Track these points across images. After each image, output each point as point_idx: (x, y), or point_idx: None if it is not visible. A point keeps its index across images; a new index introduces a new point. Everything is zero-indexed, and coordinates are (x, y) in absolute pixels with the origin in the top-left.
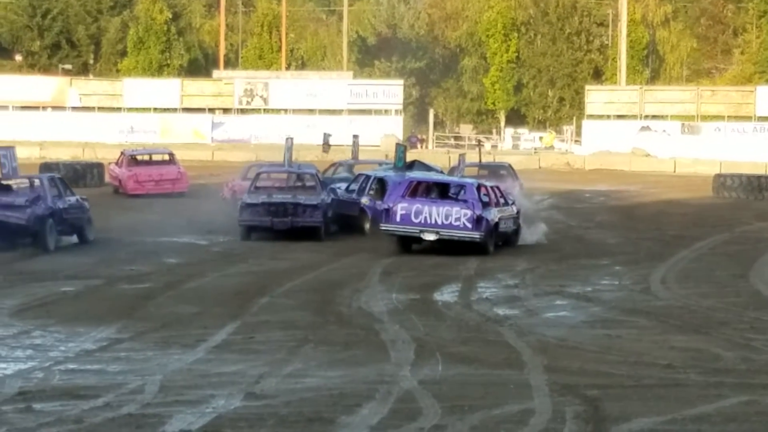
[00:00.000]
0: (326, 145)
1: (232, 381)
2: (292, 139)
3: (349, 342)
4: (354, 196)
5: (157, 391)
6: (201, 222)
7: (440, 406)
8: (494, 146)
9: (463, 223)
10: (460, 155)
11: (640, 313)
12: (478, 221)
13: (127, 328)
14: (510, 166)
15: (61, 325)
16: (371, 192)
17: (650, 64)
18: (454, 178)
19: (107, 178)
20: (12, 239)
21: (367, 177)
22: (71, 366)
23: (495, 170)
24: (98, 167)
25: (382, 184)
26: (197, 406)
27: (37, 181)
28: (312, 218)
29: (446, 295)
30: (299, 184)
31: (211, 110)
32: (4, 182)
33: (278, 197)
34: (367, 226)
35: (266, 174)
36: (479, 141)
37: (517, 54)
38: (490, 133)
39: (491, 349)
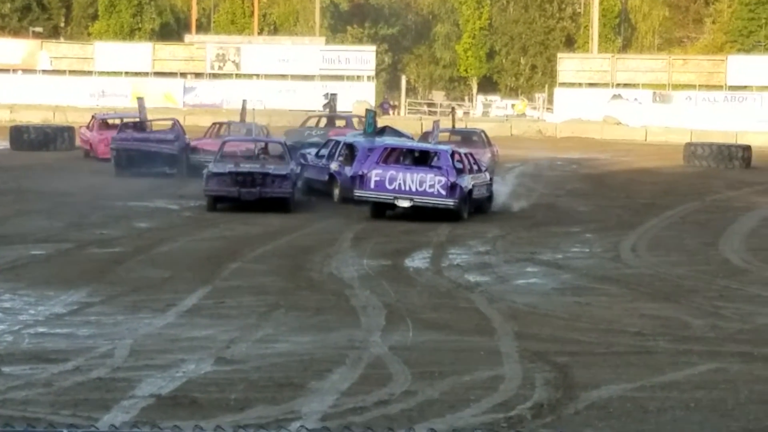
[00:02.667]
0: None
1: (202, 346)
2: (246, 100)
3: (320, 307)
4: (324, 161)
5: (127, 355)
6: (172, 186)
7: (410, 372)
8: (466, 113)
9: (438, 190)
10: (434, 121)
11: (610, 281)
12: (452, 188)
13: (98, 292)
14: (483, 132)
15: (31, 288)
16: (341, 158)
17: (622, 33)
18: (429, 145)
19: (78, 142)
20: (161, 166)
21: (337, 143)
22: (41, 330)
23: (468, 136)
24: (69, 131)
25: (351, 149)
26: (167, 371)
27: (171, 123)
28: (281, 189)
29: (417, 261)
30: (267, 153)
31: (183, 75)
32: (148, 125)
33: (246, 166)
34: (337, 192)
35: (233, 142)
36: (452, 107)
37: (489, 21)
38: (463, 100)
39: (462, 316)
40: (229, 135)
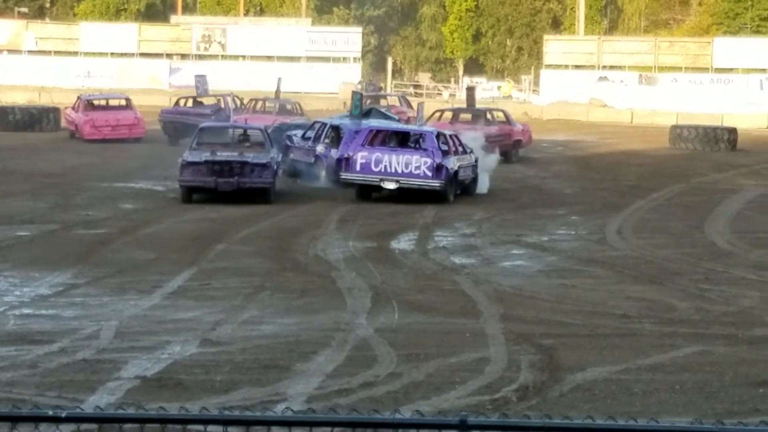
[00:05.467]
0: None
1: (187, 327)
2: (280, 78)
3: (306, 289)
4: (309, 144)
5: (113, 336)
6: (157, 168)
7: (396, 354)
8: (452, 95)
9: (423, 172)
10: (419, 103)
11: (595, 263)
12: (438, 170)
13: (83, 274)
14: (497, 111)
15: (16, 269)
16: (327, 140)
17: (608, 15)
18: (414, 127)
19: (63, 123)
20: None
21: (323, 125)
22: (26, 311)
23: (478, 115)
24: (54, 112)
25: (337, 132)
26: (153, 352)
27: (221, 99)
28: (261, 178)
29: (403, 243)
30: (246, 140)
31: (169, 56)
32: (198, 100)
33: (223, 155)
34: (323, 174)
35: (210, 129)
36: (472, 87)
37: (475, 2)
38: (448, 82)
39: (447, 298)
40: (264, 111)
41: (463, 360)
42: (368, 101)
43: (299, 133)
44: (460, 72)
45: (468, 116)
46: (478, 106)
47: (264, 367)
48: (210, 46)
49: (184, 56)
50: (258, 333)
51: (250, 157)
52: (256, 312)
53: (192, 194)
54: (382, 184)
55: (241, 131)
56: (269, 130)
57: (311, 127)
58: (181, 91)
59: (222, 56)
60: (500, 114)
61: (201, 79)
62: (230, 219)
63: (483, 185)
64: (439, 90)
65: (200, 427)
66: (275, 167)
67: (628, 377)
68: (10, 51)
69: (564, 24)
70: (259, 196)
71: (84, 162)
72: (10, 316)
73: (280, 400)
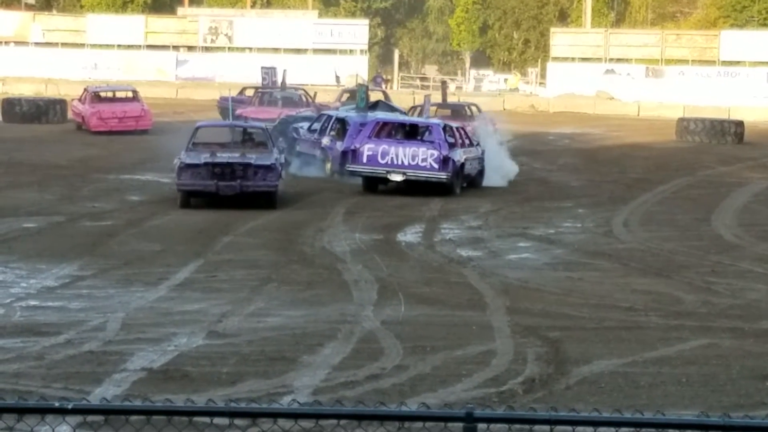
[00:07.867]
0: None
1: (194, 319)
2: (285, 70)
3: (312, 282)
4: (316, 136)
5: (119, 328)
6: (164, 160)
7: (402, 347)
8: (459, 87)
9: (430, 164)
10: (425, 96)
11: (602, 256)
12: (444, 162)
13: (90, 266)
14: (474, 106)
15: (23, 261)
16: (332, 132)
17: (615, 7)
18: (420, 119)
19: (70, 115)
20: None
21: (329, 117)
22: (32, 303)
23: (458, 110)
24: (61, 103)
25: (343, 124)
26: (159, 344)
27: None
28: (265, 181)
29: (410, 235)
30: (247, 140)
31: (176, 48)
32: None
33: (224, 156)
34: (328, 166)
35: (208, 128)
36: (444, 81)
37: None
38: (455, 74)
39: (454, 290)
40: (270, 101)
41: (470, 352)
42: (347, 95)
43: (305, 125)
44: (467, 64)
45: (447, 111)
46: (450, 100)
47: (270, 359)
48: (217, 38)
49: (190, 48)
50: (264, 325)
51: (253, 158)
52: (263, 304)
53: (190, 198)
54: (388, 176)
55: (240, 130)
56: (276, 123)
57: (317, 119)
58: (188, 83)
59: (229, 48)
60: (475, 108)
61: (269, 71)
62: (236, 211)
63: (495, 180)
64: (445, 81)
65: (207, 419)
66: (280, 169)
67: (634, 370)
68: (17, 43)
69: (571, 17)
70: (263, 200)
71: (90, 154)
72: (16, 308)
73: (286, 392)
